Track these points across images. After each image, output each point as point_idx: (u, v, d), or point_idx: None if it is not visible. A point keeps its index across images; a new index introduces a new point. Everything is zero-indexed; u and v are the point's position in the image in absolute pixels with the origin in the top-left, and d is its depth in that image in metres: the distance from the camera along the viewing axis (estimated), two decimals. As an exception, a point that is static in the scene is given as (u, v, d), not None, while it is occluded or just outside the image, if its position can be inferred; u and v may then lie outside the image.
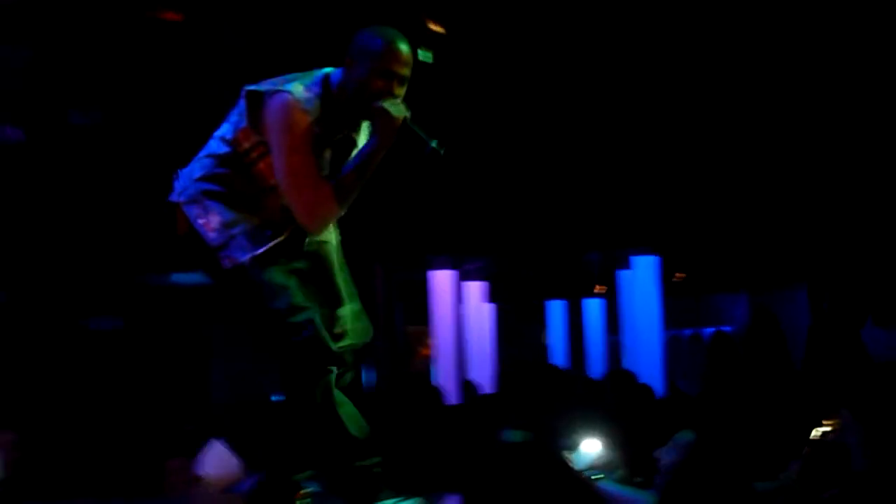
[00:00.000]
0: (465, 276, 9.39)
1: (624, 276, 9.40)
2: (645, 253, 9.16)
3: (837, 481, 4.18)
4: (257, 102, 3.59)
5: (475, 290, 9.66)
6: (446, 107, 7.56)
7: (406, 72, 3.63)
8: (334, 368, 3.66)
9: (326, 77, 3.65)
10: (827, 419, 4.83)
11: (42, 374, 7.70)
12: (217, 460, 5.41)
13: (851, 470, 4.29)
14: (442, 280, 8.96)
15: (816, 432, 4.79)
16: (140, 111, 8.02)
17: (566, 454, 4.95)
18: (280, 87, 3.57)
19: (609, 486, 4.73)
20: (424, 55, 4.85)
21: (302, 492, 4.70)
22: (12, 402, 7.35)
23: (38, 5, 8.13)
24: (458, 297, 9.22)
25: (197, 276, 7.13)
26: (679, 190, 8.58)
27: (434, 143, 3.70)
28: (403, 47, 3.63)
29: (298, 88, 3.57)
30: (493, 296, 10.04)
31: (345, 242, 6.74)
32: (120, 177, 8.09)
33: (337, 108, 3.67)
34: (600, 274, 10.67)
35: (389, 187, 6.74)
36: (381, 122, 3.58)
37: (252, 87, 3.64)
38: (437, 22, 5.40)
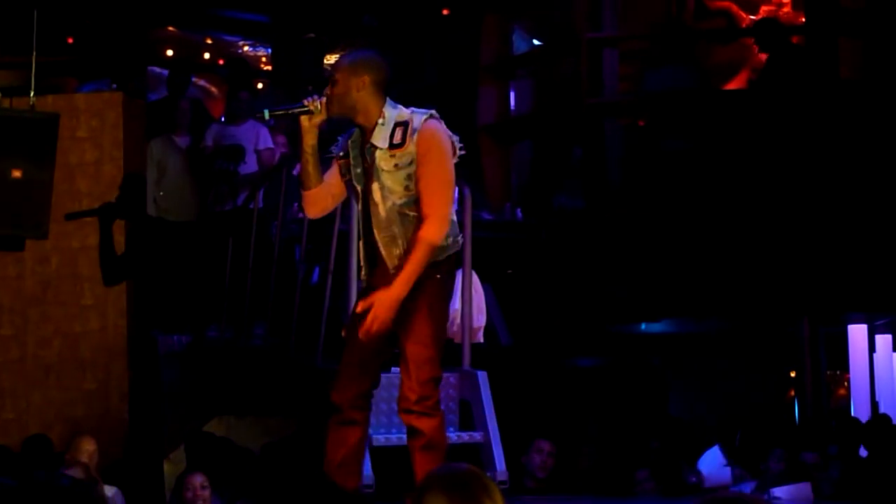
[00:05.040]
0: (875, 329, 10.62)
1: None
2: None
3: None
4: None
5: (884, 341, 10.75)
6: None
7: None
8: None
9: None
10: None
11: (533, 403, 8.60)
12: (712, 463, 7.44)
13: None
14: (857, 333, 10.38)
15: None
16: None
17: None
18: None
19: None
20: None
21: None
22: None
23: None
24: (871, 347, 10.59)
25: (658, 325, 9.58)
26: None
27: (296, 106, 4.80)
28: None
29: None
30: (899, 346, 10.90)
31: (782, 301, 8.47)
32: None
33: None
34: None
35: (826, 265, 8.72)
36: None
37: None
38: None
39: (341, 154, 4.95)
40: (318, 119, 4.81)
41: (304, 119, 4.80)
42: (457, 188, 6.60)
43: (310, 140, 4.84)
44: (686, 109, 9.52)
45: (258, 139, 9.26)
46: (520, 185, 10.30)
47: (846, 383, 11.15)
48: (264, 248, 8.27)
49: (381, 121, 4.79)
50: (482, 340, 8.24)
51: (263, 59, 12.45)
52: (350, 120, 4.88)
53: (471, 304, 6.72)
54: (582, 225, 9.46)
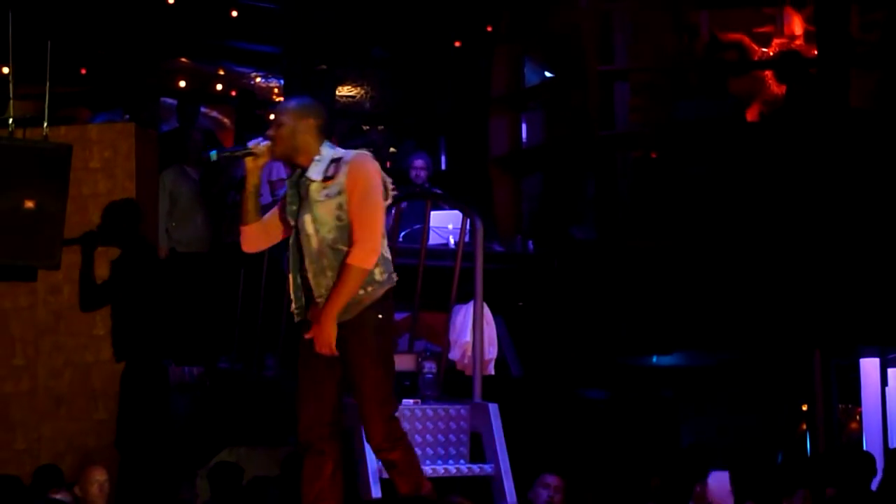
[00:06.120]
0: (888, 363, 10.43)
1: None
2: None
3: None
4: None
5: (896, 375, 10.56)
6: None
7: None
8: None
9: None
10: None
11: (543, 431, 8.83)
12: (719, 483, 7.40)
13: None
14: (870, 366, 10.29)
15: None
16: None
17: None
18: None
19: None
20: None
21: None
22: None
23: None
24: (883, 381, 10.41)
25: (669, 358, 9.49)
26: None
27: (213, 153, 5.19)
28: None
29: None
30: (912, 379, 10.88)
31: (793, 334, 8.33)
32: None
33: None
34: None
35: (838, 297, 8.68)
36: None
37: None
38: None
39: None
40: (262, 161, 5.10)
41: (248, 160, 5.08)
42: (468, 220, 6.72)
43: (252, 180, 5.15)
44: (700, 141, 9.50)
45: (271, 170, 9.25)
46: (531, 217, 10.28)
47: (858, 417, 11.01)
48: (276, 279, 8.06)
49: (317, 157, 5.05)
50: (493, 372, 8.23)
51: (276, 90, 12.45)
52: (291, 162, 5.17)
53: (482, 336, 6.73)
54: (593, 257, 9.41)
